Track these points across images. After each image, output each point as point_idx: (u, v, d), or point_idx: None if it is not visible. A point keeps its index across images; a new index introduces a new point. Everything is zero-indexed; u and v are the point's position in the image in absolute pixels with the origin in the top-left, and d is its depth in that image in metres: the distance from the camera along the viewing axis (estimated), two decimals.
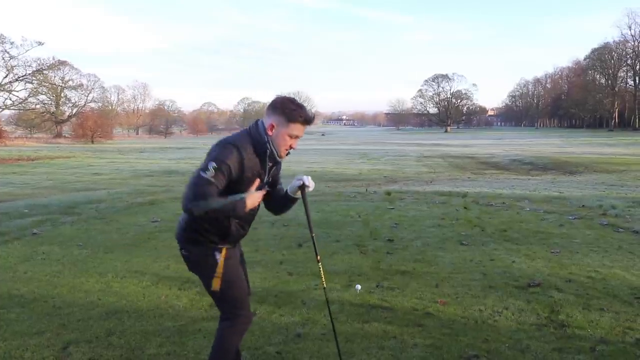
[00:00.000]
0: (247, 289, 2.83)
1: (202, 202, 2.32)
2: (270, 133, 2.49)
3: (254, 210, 2.60)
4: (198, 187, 2.33)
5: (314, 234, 2.83)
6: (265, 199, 2.70)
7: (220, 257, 2.54)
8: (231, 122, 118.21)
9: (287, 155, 2.58)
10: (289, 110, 2.46)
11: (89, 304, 4.20)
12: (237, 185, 2.42)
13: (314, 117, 2.55)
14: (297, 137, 2.52)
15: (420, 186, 14.52)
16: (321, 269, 2.85)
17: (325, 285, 2.90)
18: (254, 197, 2.46)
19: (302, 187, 2.64)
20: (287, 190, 2.71)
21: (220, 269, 2.54)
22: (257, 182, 2.50)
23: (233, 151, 2.39)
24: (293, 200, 2.72)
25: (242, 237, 2.71)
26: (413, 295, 4.40)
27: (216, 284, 2.55)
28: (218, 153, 2.38)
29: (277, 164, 2.65)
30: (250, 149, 2.45)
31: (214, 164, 2.33)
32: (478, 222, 7.75)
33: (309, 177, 2.64)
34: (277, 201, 2.77)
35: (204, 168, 2.34)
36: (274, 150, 2.51)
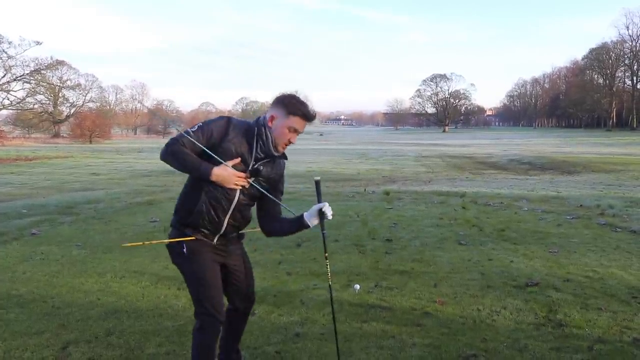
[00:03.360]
0: (247, 290, 2.82)
1: (172, 143, 2.40)
2: (270, 125, 2.52)
3: (229, 196, 2.51)
4: (177, 135, 2.42)
5: (327, 254, 2.82)
6: (258, 208, 2.69)
7: (186, 248, 2.53)
8: None
9: (284, 149, 2.58)
10: (291, 103, 2.50)
11: (88, 304, 4.21)
12: (213, 150, 2.43)
13: (314, 115, 2.55)
14: (296, 131, 2.52)
15: (418, 186, 14.54)
16: (328, 266, 2.84)
17: (330, 281, 2.89)
18: (224, 170, 2.42)
19: (321, 215, 2.62)
20: (302, 215, 2.64)
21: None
22: (238, 160, 2.48)
23: (221, 120, 2.50)
24: (302, 226, 2.64)
25: (219, 230, 2.58)
26: (411, 295, 4.41)
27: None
28: (208, 119, 2.51)
29: (271, 158, 2.59)
30: (241, 131, 2.50)
31: (199, 124, 2.46)
32: (476, 221, 7.77)
33: (330, 209, 2.64)
34: (280, 223, 2.71)
35: (192, 126, 2.46)
36: (270, 137, 2.50)
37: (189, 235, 2.55)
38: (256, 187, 2.58)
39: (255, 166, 2.55)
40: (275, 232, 2.75)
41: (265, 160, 2.57)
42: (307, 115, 2.52)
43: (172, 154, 2.41)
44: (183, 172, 2.47)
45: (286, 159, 2.68)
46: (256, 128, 2.52)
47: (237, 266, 2.75)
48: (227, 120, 2.50)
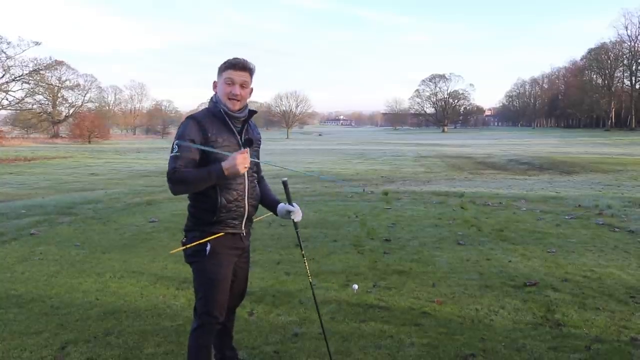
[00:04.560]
0: (242, 292, 2.89)
1: (171, 175, 2.42)
2: (215, 91, 2.64)
3: (240, 178, 2.57)
4: (169, 166, 2.44)
5: (303, 251, 3.03)
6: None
7: (210, 248, 2.56)
8: None
9: (238, 104, 2.57)
10: (221, 65, 2.61)
11: (87, 304, 4.21)
12: (211, 153, 2.46)
13: (242, 61, 2.59)
14: (233, 82, 2.56)
15: (417, 186, 14.56)
16: (306, 263, 3.03)
17: (310, 279, 3.04)
18: (231, 159, 2.38)
19: (294, 222, 2.81)
20: (279, 205, 2.82)
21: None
22: (245, 150, 2.47)
23: (189, 121, 2.54)
24: (273, 211, 2.85)
25: (244, 215, 2.65)
26: (410, 295, 4.42)
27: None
28: (178, 131, 2.54)
29: (244, 123, 2.64)
30: (207, 115, 2.58)
31: (177, 142, 2.47)
32: (475, 221, 7.78)
33: (299, 212, 2.77)
34: (265, 190, 2.88)
35: (171, 149, 2.49)
36: (221, 105, 2.57)
37: (217, 233, 2.58)
38: (255, 155, 2.69)
39: (247, 137, 2.64)
40: (262, 195, 2.86)
41: (245, 129, 2.65)
42: (235, 63, 2.58)
43: (178, 181, 2.42)
44: (201, 189, 2.48)
45: (255, 112, 2.72)
46: (217, 108, 2.58)
47: (243, 265, 2.82)
48: (192, 120, 2.54)
